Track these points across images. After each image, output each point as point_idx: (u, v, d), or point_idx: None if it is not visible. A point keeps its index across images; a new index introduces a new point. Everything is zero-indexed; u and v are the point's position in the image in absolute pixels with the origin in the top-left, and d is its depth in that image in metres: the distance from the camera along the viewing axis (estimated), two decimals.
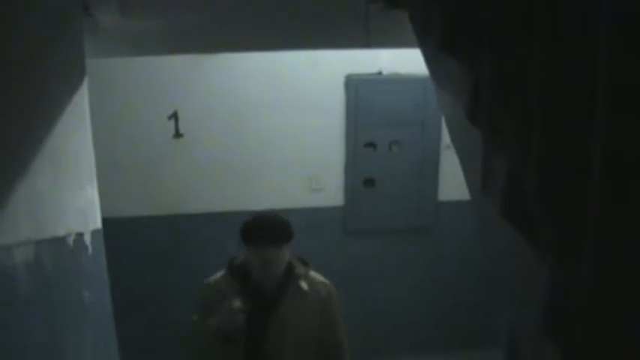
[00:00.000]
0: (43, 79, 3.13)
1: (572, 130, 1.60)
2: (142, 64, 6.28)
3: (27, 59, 2.94)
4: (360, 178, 7.00)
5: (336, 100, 6.78)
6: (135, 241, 6.62)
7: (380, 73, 6.73)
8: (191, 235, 6.77)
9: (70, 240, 3.29)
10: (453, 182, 6.60)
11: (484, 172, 2.10)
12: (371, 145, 6.92)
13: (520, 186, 1.79)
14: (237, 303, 3.24)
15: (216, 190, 6.75)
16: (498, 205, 1.91)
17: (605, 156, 1.36)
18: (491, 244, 2.24)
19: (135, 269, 6.55)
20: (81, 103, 3.56)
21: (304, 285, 3.46)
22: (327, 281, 3.57)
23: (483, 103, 2.06)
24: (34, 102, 3.02)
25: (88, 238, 3.53)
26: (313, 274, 3.56)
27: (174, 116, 6.59)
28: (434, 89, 2.85)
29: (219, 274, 3.61)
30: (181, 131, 6.64)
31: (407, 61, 6.28)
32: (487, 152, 2.06)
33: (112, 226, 5.47)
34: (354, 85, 6.76)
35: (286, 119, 6.73)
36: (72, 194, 3.38)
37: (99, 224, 3.77)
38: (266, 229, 3.33)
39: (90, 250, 3.55)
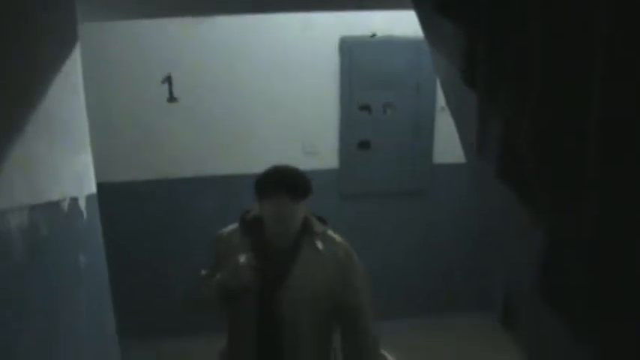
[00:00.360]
0: (36, 44, 3.11)
1: (571, 92, 1.59)
2: (134, 28, 6.23)
3: (19, 24, 2.92)
4: (355, 141, 6.99)
5: (330, 62, 6.75)
6: (129, 205, 6.66)
7: (374, 36, 6.69)
8: (186, 198, 6.78)
9: (65, 205, 3.29)
10: (448, 144, 6.62)
11: (480, 133, 2.09)
12: (365, 107, 6.90)
13: (516, 148, 1.78)
14: (243, 259, 3.11)
15: (210, 153, 6.74)
16: (494, 166, 1.90)
17: (604, 117, 1.35)
18: (486, 205, 2.24)
19: (130, 234, 6.59)
20: (74, 68, 3.53)
21: (319, 244, 3.27)
22: (345, 242, 3.37)
23: (479, 65, 2.04)
24: (27, 67, 3.00)
25: (82, 203, 3.52)
26: (331, 233, 3.38)
27: (168, 80, 6.56)
28: (429, 51, 2.82)
29: (232, 226, 3.47)
30: (175, 95, 6.61)
31: (401, 23, 6.26)
32: (483, 114, 2.05)
33: (106, 191, 5.50)
34: (348, 47, 6.71)
35: (280, 82, 6.71)
36: (66, 159, 3.37)
37: (93, 189, 3.77)
38: (282, 181, 3.16)
39: (85, 215, 3.54)
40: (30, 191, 2.87)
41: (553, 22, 1.65)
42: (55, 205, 3.17)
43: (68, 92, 3.44)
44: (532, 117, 1.69)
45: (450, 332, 6.82)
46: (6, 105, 2.75)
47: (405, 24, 5.70)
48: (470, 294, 7.26)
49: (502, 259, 2.13)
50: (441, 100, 6.70)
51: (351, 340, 3.33)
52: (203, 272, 3.43)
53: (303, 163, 6.77)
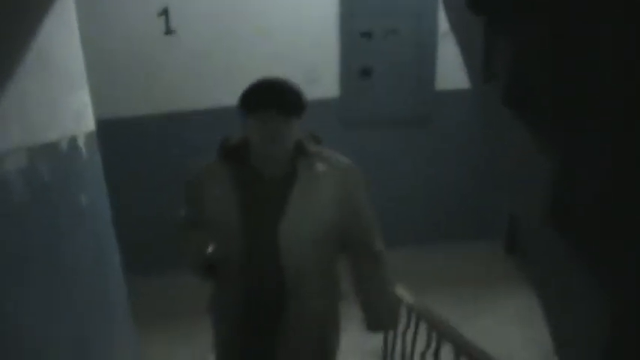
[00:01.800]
0: None
1: (583, 14, 1.53)
2: None
3: None
4: (356, 69, 6.94)
5: None
6: (129, 141, 6.64)
7: None
8: (185, 131, 6.76)
9: (64, 144, 3.24)
10: (451, 70, 6.55)
11: (486, 59, 2.03)
12: (367, 34, 6.82)
13: (525, 73, 1.73)
14: (203, 236, 2.74)
15: (209, 85, 6.69)
16: (501, 93, 1.85)
17: (619, 43, 1.31)
18: (493, 132, 2.19)
19: (132, 169, 6.58)
20: (67, 3, 3.45)
21: (320, 165, 2.79)
22: (346, 160, 2.90)
23: None
24: (18, 4, 2.92)
25: (82, 142, 3.48)
26: (329, 152, 2.88)
27: (165, 13, 6.48)
28: None
29: (210, 160, 2.95)
30: (172, 27, 6.53)
31: None
32: (489, 39, 1.99)
33: (107, 128, 5.45)
34: None
35: (280, 9, 6.63)
36: (63, 97, 3.31)
37: (93, 127, 3.71)
38: (273, 94, 2.65)
39: (84, 153, 3.50)
40: (27, 132, 2.83)
41: None
42: (53, 145, 3.12)
43: (62, 29, 3.36)
44: (542, 40, 1.64)
45: (453, 259, 6.87)
46: None
47: None
48: (474, 222, 7.27)
49: (509, 187, 2.09)
50: (443, 25, 6.62)
51: (361, 266, 2.99)
52: (180, 212, 3.07)
53: (304, 91, 6.82)
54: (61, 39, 3.34)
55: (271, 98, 2.63)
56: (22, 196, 2.73)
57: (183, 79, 6.66)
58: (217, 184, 2.81)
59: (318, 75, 6.83)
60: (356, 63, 6.90)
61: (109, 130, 6.09)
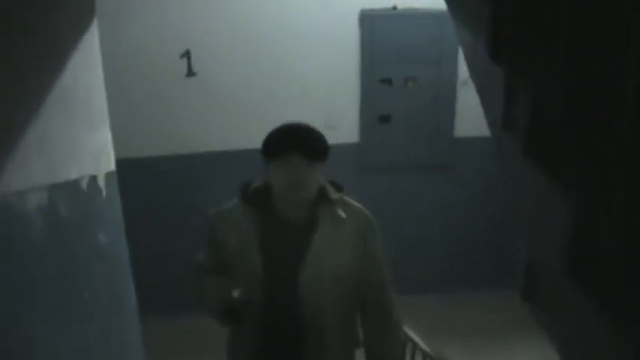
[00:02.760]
0: (52, 19, 3.08)
1: (601, 66, 1.54)
2: (152, 4, 6.23)
3: (34, 1, 2.90)
4: (376, 115, 6.96)
5: (350, 35, 6.71)
6: (150, 181, 6.67)
7: (395, 8, 6.63)
8: (206, 173, 6.77)
9: (84, 183, 3.26)
10: (469, 118, 6.57)
11: (506, 107, 2.04)
12: (386, 81, 6.86)
13: (544, 122, 1.74)
14: (236, 294, 2.65)
15: (230, 128, 6.73)
16: (521, 141, 1.86)
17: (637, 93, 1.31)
18: (512, 180, 2.18)
19: (150, 210, 6.60)
20: (90, 42, 3.49)
21: (341, 212, 2.75)
22: (364, 208, 2.87)
23: (505, 37, 1.99)
24: (43, 42, 2.97)
25: (101, 181, 3.50)
26: (349, 199, 2.86)
27: (187, 55, 6.54)
28: (450, 24, 2.76)
29: (232, 201, 2.93)
30: (194, 70, 6.59)
31: None
32: (509, 87, 2.00)
33: (126, 167, 5.49)
34: (369, 20, 6.66)
35: (300, 55, 6.68)
36: (84, 136, 3.34)
37: (112, 166, 3.74)
38: (297, 139, 2.64)
39: (104, 192, 3.52)
40: (48, 170, 2.85)
41: None
42: (73, 184, 3.14)
43: (86, 68, 3.41)
44: (562, 90, 1.65)
45: (469, 307, 6.80)
46: (22, 83, 2.73)
47: None
48: (489, 269, 7.23)
49: (527, 234, 2.08)
50: (462, 73, 6.66)
51: (373, 316, 2.90)
52: (199, 257, 3.02)
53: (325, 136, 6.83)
54: (85, 77, 3.38)
55: (295, 143, 2.61)
56: (41, 233, 2.74)
57: (202, 121, 6.70)
58: (238, 228, 2.78)
59: (338, 121, 6.85)
60: (375, 109, 6.92)
61: (127, 169, 6.16)
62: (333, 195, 2.79)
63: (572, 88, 1.64)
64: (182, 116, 6.67)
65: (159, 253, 6.65)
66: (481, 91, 2.42)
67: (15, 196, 2.55)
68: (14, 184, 2.55)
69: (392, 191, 7.09)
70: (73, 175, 3.15)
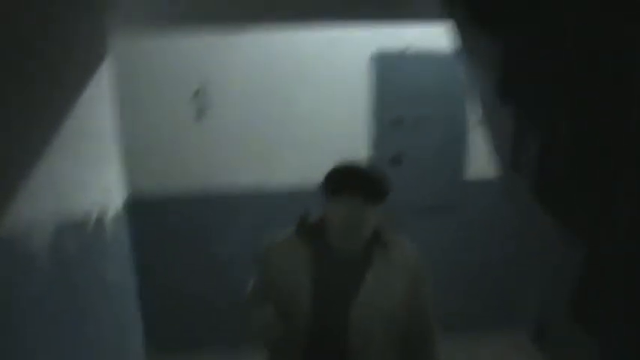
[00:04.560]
0: (65, 57, 3.10)
1: (608, 110, 1.54)
2: (165, 42, 6.27)
3: (48, 38, 2.92)
4: (386, 155, 6.93)
5: (361, 76, 6.71)
6: (160, 221, 6.66)
7: (406, 50, 6.64)
8: (215, 214, 6.75)
9: (92, 220, 3.25)
10: (481, 160, 6.56)
11: (515, 149, 2.03)
12: (397, 122, 6.84)
13: (552, 166, 1.73)
14: (269, 309, 2.61)
15: (239, 169, 6.72)
16: (529, 183, 1.85)
17: None
18: (520, 222, 2.17)
19: (162, 249, 6.60)
20: (103, 82, 3.52)
21: (395, 255, 2.75)
22: (416, 250, 2.88)
23: (515, 78, 1.99)
24: (55, 79, 2.99)
25: (110, 217, 3.49)
26: (403, 240, 2.87)
27: (198, 94, 6.56)
28: (461, 65, 2.76)
29: (284, 235, 2.87)
30: (205, 109, 6.61)
31: (433, 36, 6.22)
32: (518, 130, 1.99)
33: (137, 206, 5.48)
34: (380, 61, 6.66)
35: (311, 96, 6.68)
36: (94, 174, 3.35)
37: (122, 203, 3.73)
38: (358, 179, 2.61)
39: (112, 229, 3.51)
40: (57, 206, 2.85)
41: (589, 36, 1.60)
42: (82, 220, 3.14)
43: (98, 105, 3.43)
44: (569, 132, 1.64)
45: (476, 349, 6.72)
46: (33, 118, 2.73)
47: (438, 38, 5.66)
48: (499, 312, 7.17)
49: (536, 278, 2.07)
50: (473, 115, 6.66)
51: (420, 354, 2.87)
52: (250, 285, 2.97)
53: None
54: (96, 115, 3.40)
55: (358, 184, 2.60)
56: (47, 269, 2.73)
57: (214, 161, 6.70)
58: (291, 261, 2.75)
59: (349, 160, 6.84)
60: (386, 150, 6.90)
61: (140, 207, 6.17)
62: (389, 236, 2.79)
63: (582, 132, 1.63)
64: (193, 156, 6.67)
65: (170, 290, 6.64)
66: (491, 131, 2.41)
67: (22, 230, 2.54)
68: (21, 219, 2.55)
69: (402, 232, 7.05)
70: (82, 210, 3.15)
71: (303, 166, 6.55)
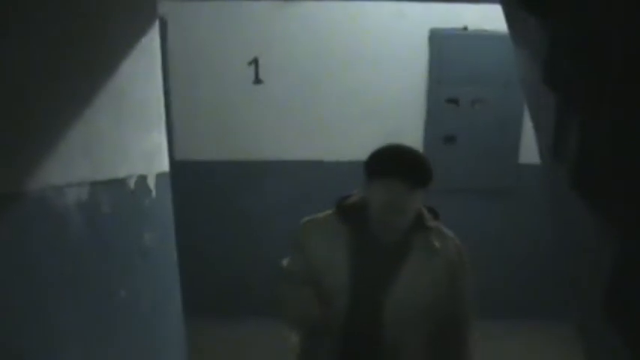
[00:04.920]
0: (112, 20, 3.10)
1: None
2: (222, 10, 6.28)
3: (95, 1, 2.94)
4: (441, 135, 6.88)
5: (419, 54, 6.65)
6: (209, 184, 6.73)
7: (465, 29, 6.55)
8: (267, 181, 6.79)
9: (131, 182, 3.27)
10: (535, 144, 6.46)
11: (556, 137, 1.98)
12: (453, 101, 6.78)
13: (592, 156, 1.68)
14: (307, 293, 2.61)
15: (291, 138, 6.73)
16: (568, 173, 1.80)
17: None
18: (559, 212, 2.13)
19: (207, 213, 6.65)
20: (150, 46, 3.52)
21: (435, 242, 2.68)
22: (456, 238, 2.79)
23: (560, 64, 1.94)
24: (100, 42, 3.00)
25: (152, 181, 3.51)
26: (444, 228, 2.78)
27: (255, 62, 6.57)
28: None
29: (324, 213, 2.82)
30: (261, 77, 6.62)
31: (493, 17, 6.12)
32: (560, 117, 1.94)
33: (188, 169, 5.52)
34: (439, 39, 6.60)
35: (367, 71, 6.64)
36: (136, 137, 3.36)
37: (165, 167, 3.75)
38: (401, 163, 2.54)
39: (154, 192, 3.54)
40: (92, 167, 2.88)
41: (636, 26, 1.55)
42: (119, 182, 3.16)
43: (143, 70, 3.44)
44: (610, 120, 1.59)
45: (524, 336, 6.64)
46: (70, 81, 2.74)
47: (498, 18, 5.56)
48: (548, 300, 7.08)
49: (573, 274, 2.02)
50: None
51: (448, 349, 2.80)
52: (284, 263, 2.91)
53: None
54: (141, 79, 3.41)
55: (399, 167, 2.52)
56: (80, 228, 2.76)
57: (266, 129, 6.73)
58: (329, 241, 2.69)
59: (402, 138, 6.74)
60: (441, 129, 6.85)
61: (188, 171, 6.22)
62: (430, 222, 2.72)
63: (623, 122, 1.58)
64: (246, 123, 6.71)
65: (213, 256, 6.70)
66: (534, 117, 2.37)
67: (54, 190, 2.57)
68: (54, 179, 2.58)
69: (452, 213, 6.90)
70: (120, 173, 3.18)
71: (356, 140, 6.52)
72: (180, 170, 6.34)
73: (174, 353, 4.03)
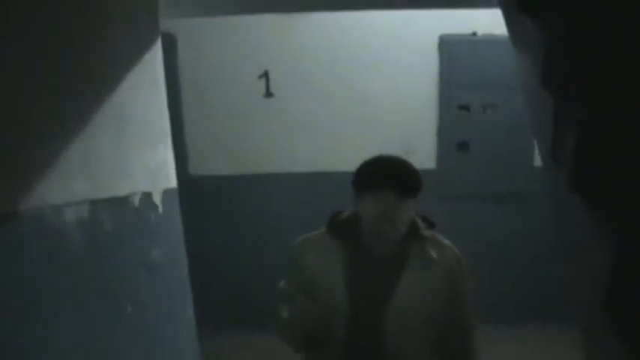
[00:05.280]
0: (113, 36, 3.12)
1: None
2: (232, 24, 6.31)
3: (97, 14, 2.95)
4: (453, 141, 6.88)
5: (429, 60, 6.66)
6: (222, 198, 6.74)
7: (474, 34, 6.54)
8: (279, 194, 6.80)
9: (135, 199, 3.28)
10: None
11: (554, 139, 1.97)
12: (465, 107, 6.77)
13: (591, 157, 1.67)
14: (303, 300, 2.55)
15: (305, 150, 6.74)
16: (567, 175, 1.79)
17: None
18: (558, 213, 2.12)
19: (221, 227, 6.67)
20: (153, 62, 3.53)
21: (432, 252, 2.63)
22: (454, 246, 2.74)
23: (555, 67, 1.93)
24: (97, 56, 3.01)
25: (158, 198, 3.52)
26: (440, 237, 2.73)
27: (265, 75, 6.60)
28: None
29: (318, 231, 2.78)
30: (272, 90, 6.64)
31: (502, 22, 6.10)
32: (557, 119, 1.93)
33: (200, 184, 5.53)
34: (448, 45, 6.61)
35: (378, 80, 6.66)
36: (139, 154, 3.37)
37: (172, 183, 3.75)
38: (389, 173, 2.51)
39: (160, 209, 3.53)
40: (92, 185, 2.88)
41: (631, 26, 1.55)
42: (121, 200, 3.17)
43: (146, 86, 3.45)
44: (608, 123, 1.59)
45: (536, 341, 6.57)
46: (72, 94, 2.76)
47: None
48: (562, 304, 7.03)
49: (571, 274, 2.02)
50: None
51: (454, 355, 2.76)
52: (282, 285, 2.84)
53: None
54: (143, 96, 3.43)
55: (387, 178, 2.49)
56: (79, 247, 2.78)
57: (279, 141, 6.74)
58: (324, 258, 2.66)
59: (415, 146, 6.79)
60: (453, 136, 6.84)
61: (198, 185, 6.24)
62: (425, 232, 2.68)
63: (621, 123, 1.58)
64: (257, 136, 6.75)
65: (226, 269, 6.72)
66: (533, 120, 2.36)
67: (51, 209, 2.57)
68: (51, 198, 2.58)
69: (467, 219, 6.96)
70: (122, 191, 3.18)
71: (369, 150, 6.49)
72: (195, 185, 6.39)
73: None
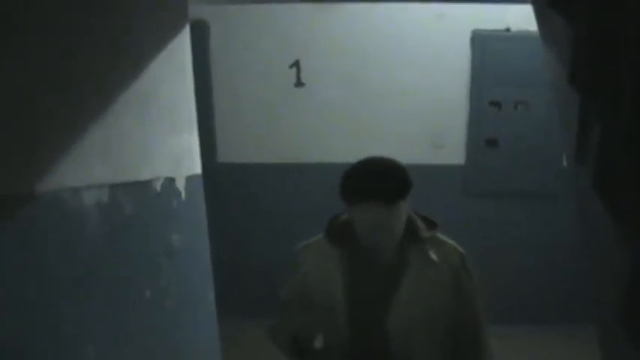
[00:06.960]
0: (134, 19, 3.11)
1: None
2: (264, 12, 6.29)
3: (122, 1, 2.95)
4: (483, 138, 6.82)
5: (461, 55, 6.61)
6: (250, 187, 6.74)
7: (508, 30, 6.48)
8: (308, 184, 6.79)
9: (157, 184, 3.28)
10: None
11: (579, 138, 1.94)
12: (496, 103, 6.70)
13: (615, 156, 1.63)
14: (300, 319, 2.64)
15: (334, 140, 6.73)
16: (591, 174, 1.76)
17: None
18: (582, 213, 2.08)
19: (248, 215, 6.67)
20: (180, 49, 3.52)
21: (433, 254, 2.56)
22: (457, 245, 2.66)
23: (584, 64, 1.89)
24: (122, 41, 3.01)
25: (181, 183, 3.51)
26: (441, 237, 2.65)
27: (296, 65, 6.58)
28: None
29: (316, 238, 2.75)
30: (303, 80, 6.62)
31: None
32: (583, 119, 1.90)
33: (228, 172, 5.52)
34: (481, 41, 6.56)
35: (409, 73, 6.62)
36: (163, 140, 3.37)
37: (197, 170, 3.75)
38: (373, 178, 2.40)
39: (183, 194, 3.53)
40: (112, 169, 2.89)
41: None
42: (143, 185, 3.17)
43: (172, 72, 3.44)
44: (629, 121, 1.55)
45: (562, 342, 6.50)
46: (96, 79, 2.76)
47: None
48: (587, 306, 6.95)
49: (593, 278, 1.98)
50: None
51: (466, 356, 2.69)
52: (282, 294, 2.83)
53: (429, 156, 6.74)
54: (170, 81, 3.42)
55: (372, 188, 2.38)
56: (98, 230, 2.79)
57: (308, 131, 6.73)
58: (323, 265, 2.63)
59: (445, 140, 6.76)
60: (483, 132, 6.78)
61: (226, 173, 6.25)
62: (424, 233, 2.60)
63: None
64: (287, 125, 6.75)
65: (252, 256, 6.73)
66: (560, 118, 2.33)
67: (70, 191, 2.58)
68: (70, 181, 2.59)
69: (494, 217, 6.91)
70: (144, 175, 3.18)
71: (399, 142, 6.48)
72: (223, 172, 6.39)
73: (207, 351, 4.02)
